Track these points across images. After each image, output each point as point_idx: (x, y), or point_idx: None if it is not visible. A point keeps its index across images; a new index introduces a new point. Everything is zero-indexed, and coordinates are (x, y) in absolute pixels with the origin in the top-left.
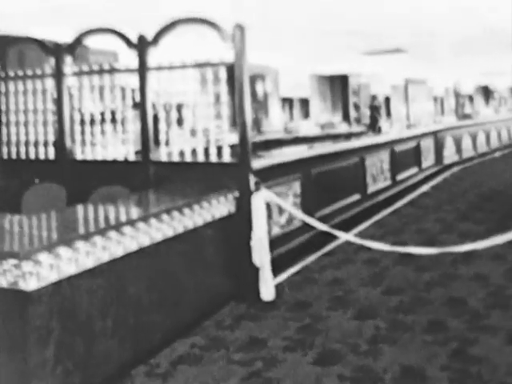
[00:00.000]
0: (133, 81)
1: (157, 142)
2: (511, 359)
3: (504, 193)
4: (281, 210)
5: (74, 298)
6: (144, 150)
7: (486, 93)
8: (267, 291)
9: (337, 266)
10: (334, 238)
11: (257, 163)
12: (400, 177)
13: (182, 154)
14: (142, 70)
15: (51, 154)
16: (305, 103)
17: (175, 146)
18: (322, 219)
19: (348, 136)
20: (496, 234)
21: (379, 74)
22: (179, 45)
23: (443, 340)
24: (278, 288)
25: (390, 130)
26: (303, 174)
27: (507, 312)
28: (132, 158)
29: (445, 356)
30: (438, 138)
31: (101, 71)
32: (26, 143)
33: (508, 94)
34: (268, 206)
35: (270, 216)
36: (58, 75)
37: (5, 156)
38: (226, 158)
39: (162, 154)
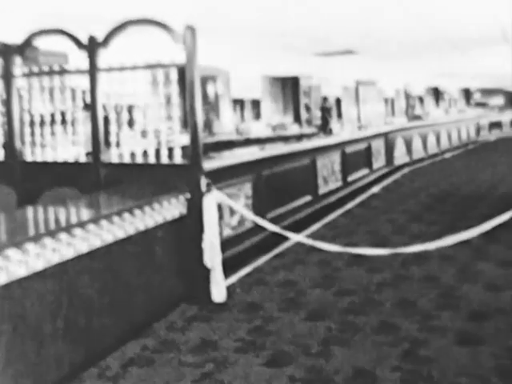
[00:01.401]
0: (83, 82)
1: (107, 144)
2: (461, 360)
3: (455, 194)
4: (232, 212)
5: (24, 300)
6: (94, 151)
7: (436, 94)
8: (219, 293)
9: (288, 268)
10: (286, 239)
11: (208, 164)
12: (351, 178)
13: (132, 155)
14: (93, 71)
15: (0, 156)
16: (256, 104)
17: (126, 147)
18: (274, 220)
19: (299, 137)
20: (447, 235)
21: (330, 76)
22: (131, 46)
23: (394, 341)
24: (230, 289)
25: (341, 131)
26: (254, 176)
27: (457, 313)
28: (82, 159)
29: (396, 357)
30: (388, 139)
31: (51, 72)
32: None
33: (458, 96)
34: (219, 208)
35: (221, 217)
36: (7, 76)
37: None
38: (177, 159)
39: (112, 156)
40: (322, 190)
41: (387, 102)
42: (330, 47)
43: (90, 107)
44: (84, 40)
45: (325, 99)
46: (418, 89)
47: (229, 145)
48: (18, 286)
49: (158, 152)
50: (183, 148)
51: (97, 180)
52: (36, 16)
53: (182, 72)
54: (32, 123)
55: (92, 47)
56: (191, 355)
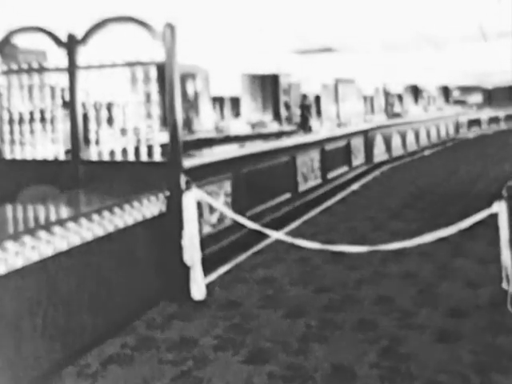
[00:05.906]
0: (62, 80)
1: (87, 141)
2: (439, 356)
3: (433, 191)
4: (212, 209)
5: (3, 298)
6: (74, 149)
7: (415, 92)
8: (198, 290)
9: (268, 265)
10: (265, 236)
11: (188, 162)
12: (330, 175)
13: (112, 153)
14: (72, 68)
15: None
16: (236, 102)
17: (105, 145)
18: (253, 218)
19: (279, 135)
20: (425, 232)
21: (309, 74)
22: (110, 44)
23: (373, 338)
24: (209, 287)
25: (321, 128)
26: (234, 173)
27: (436, 310)
28: (62, 157)
29: (375, 354)
30: (367, 136)
31: (30, 70)
32: None
33: (437, 93)
34: (199, 205)
35: (201, 215)
36: None
37: None
38: (157, 157)
39: (92, 154)
40: (302, 187)
41: (366, 100)
42: (309, 45)
43: (69, 105)
44: (63, 38)
45: (304, 97)
46: (396, 87)
47: (208, 142)
48: None
49: (137, 150)
50: (163, 146)
51: (76, 178)
52: (14, 13)
53: (162, 70)
54: (11, 121)
55: (71, 45)
56: (170, 353)
